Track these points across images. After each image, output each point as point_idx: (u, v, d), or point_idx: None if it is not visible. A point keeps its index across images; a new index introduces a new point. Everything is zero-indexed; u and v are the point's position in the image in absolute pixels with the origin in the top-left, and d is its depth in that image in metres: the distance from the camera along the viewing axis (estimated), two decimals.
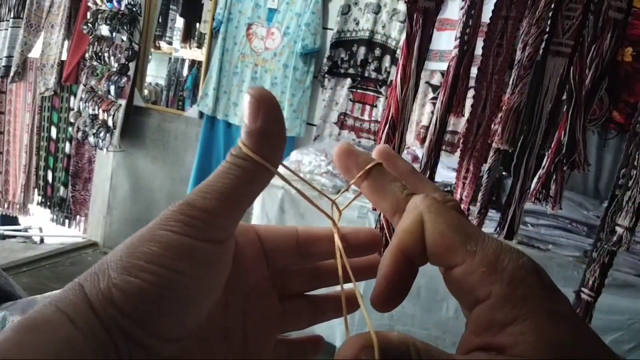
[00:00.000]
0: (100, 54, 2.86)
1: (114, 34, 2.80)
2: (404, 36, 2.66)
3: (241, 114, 2.77)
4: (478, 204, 0.97)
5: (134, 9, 2.81)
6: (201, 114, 2.89)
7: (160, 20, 3.04)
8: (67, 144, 3.29)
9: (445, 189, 1.66)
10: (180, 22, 3.08)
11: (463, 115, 0.95)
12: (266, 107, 0.22)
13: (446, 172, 1.76)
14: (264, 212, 2.02)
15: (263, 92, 0.22)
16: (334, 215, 0.26)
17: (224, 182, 0.22)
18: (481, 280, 0.20)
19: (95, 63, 2.93)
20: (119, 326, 0.19)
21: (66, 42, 3.09)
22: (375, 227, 0.97)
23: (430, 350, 0.19)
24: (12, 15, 3.06)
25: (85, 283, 0.20)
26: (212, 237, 0.21)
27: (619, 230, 0.88)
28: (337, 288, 0.27)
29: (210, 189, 0.22)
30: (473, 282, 0.20)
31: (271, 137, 0.22)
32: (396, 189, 0.24)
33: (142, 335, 0.20)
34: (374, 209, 0.95)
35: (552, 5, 0.88)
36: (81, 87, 3.02)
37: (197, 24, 2.98)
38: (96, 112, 2.94)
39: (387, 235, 0.89)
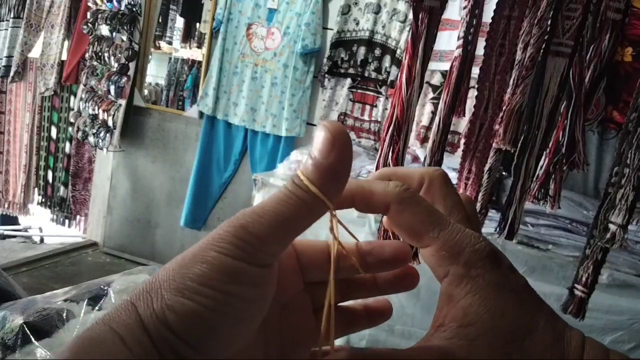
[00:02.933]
0: (100, 53, 2.86)
1: (114, 33, 2.80)
2: (404, 36, 2.66)
3: (241, 114, 2.77)
4: (478, 204, 0.97)
5: (134, 9, 2.81)
6: (201, 114, 2.89)
7: (160, 20, 3.04)
8: (67, 143, 3.29)
9: None
10: (180, 22, 3.08)
11: (465, 116, 0.95)
12: (341, 145, 0.22)
13: (447, 172, 1.76)
14: None
15: (339, 129, 0.22)
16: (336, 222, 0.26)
17: (280, 210, 0.22)
18: (441, 261, 0.23)
19: (95, 63, 2.93)
20: (171, 347, 0.20)
21: (66, 42, 3.09)
22: (379, 229, 0.97)
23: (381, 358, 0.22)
24: (12, 15, 3.06)
25: (138, 303, 0.21)
26: (262, 262, 0.22)
27: (612, 227, 0.89)
28: (369, 300, 0.29)
29: (266, 214, 0.22)
30: (436, 262, 0.24)
31: (339, 176, 0.22)
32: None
33: (193, 355, 0.20)
34: None
35: (553, 5, 0.89)
36: (81, 87, 3.02)
37: (197, 24, 2.98)
38: (96, 112, 2.94)
39: (392, 236, 0.90)
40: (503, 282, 0.23)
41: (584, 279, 0.94)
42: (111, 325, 0.20)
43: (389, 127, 0.80)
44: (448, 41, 2.05)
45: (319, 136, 0.22)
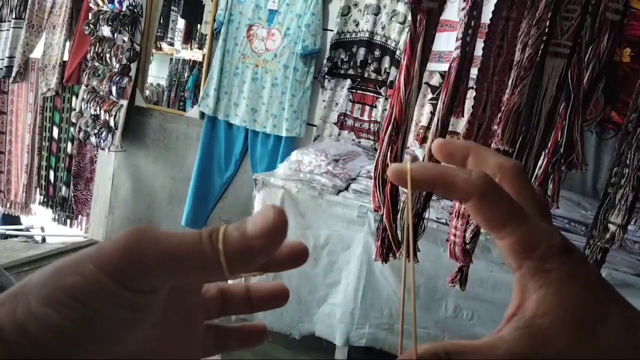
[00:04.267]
0: (101, 54, 2.87)
1: (115, 34, 2.81)
2: (403, 37, 2.67)
3: (242, 115, 2.77)
4: None
5: (136, 10, 2.82)
6: (202, 115, 2.90)
7: (161, 21, 3.05)
8: (69, 144, 3.30)
9: None
10: (181, 23, 3.09)
11: (463, 116, 0.96)
12: (274, 238, 0.21)
13: None
14: None
15: (283, 222, 0.21)
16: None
17: (180, 250, 0.20)
18: (517, 254, 0.24)
19: (96, 64, 2.94)
20: (28, 356, 0.19)
21: (68, 43, 3.10)
22: (378, 228, 0.98)
23: (459, 350, 0.23)
24: (13, 16, 3.08)
25: (1, 307, 0.20)
26: (140, 288, 0.20)
27: (612, 227, 0.89)
28: (245, 323, 0.29)
29: (165, 244, 0.20)
30: (511, 254, 0.24)
31: (252, 260, 0.21)
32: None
33: None
34: (376, 210, 0.96)
35: (551, 7, 0.89)
36: (83, 87, 3.03)
37: (198, 25, 2.99)
38: (98, 112, 2.95)
39: (390, 236, 0.90)
40: (575, 273, 0.23)
41: None
42: None
43: (387, 127, 0.81)
44: (447, 42, 2.06)
45: (265, 216, 0.21)
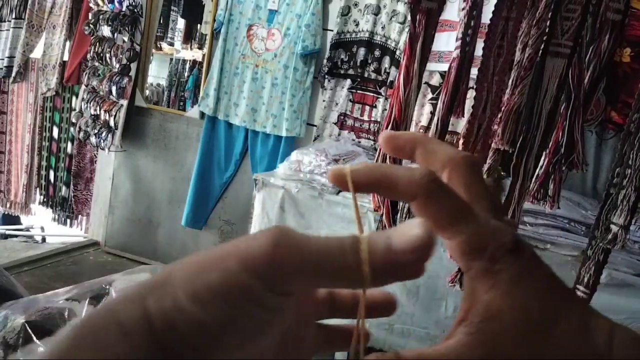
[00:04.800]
0: (101, 54, 2.87)
1: (115, 34, 2.81)
2: (403, 37, 2.67)
3: (242, 115, 2.77)
4: None
5: (136, 10, 2.82)
6: (202, 114, 2.90)
7: (161, 21, 3.05)
8: (69, 144, 3.30)
9: None
10: (181, 23, 3.09)
11: (463, 116, 0.96)
12: (424, 256, 0.20)
13: None
14: (264, 211, 2.03)
15: (433, 244, 0.20)
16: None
17: (322, 258, 0.20)
18: (465, 255, 0.23)
19: (96, 64, 2.94)
20: (174, 350, 0.19)
21: (68, 43, 3.10)
22: (377, 228, 0.98)
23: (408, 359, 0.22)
24: (13, 16, 3.08)
25: (149, 296, 0.20)
26: (281, 291, 0.21)
27: (614, 228, 0.89)
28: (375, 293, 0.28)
29: (308, 250, 0.20)
30: (459, 255, 0.23)
31: (395, 277, 0.21)
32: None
33: (195, 356, 0.20)
34: (375, 210, 0.95)
35: (552, 7, 0.89)
36: (83, 87, 3.03)
37: (198, 25, 2.99)
38: (98, 112, 2.95)
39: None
40: (525, 273, 0.22)
41: (585, 279, 0.95)
42: (116, 315, 0.19)
43: (387, 127, 0.81)
44: (447, 42, 2.06)
45: (413, 230, 0.20)
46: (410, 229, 0.21)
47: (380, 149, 0.85)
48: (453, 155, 0.26)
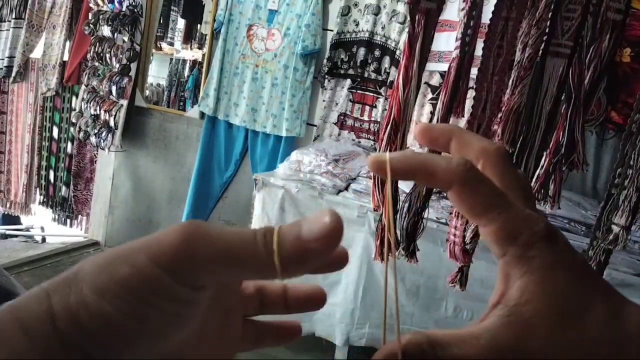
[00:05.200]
0: (101, 54, 2.87)
1: (115, 34, 2.81)
2: (403, 37, 2.67)
3: (242, 115, 2.77)
4: None
5: (136, 10, 2.82)
6: (202, 114, 2.90)
7: (161, 21, 3.05)
8: (69, 144, 3.30)
9: None
10: (181, 23, 3.09)
11: (463, 116, 0.96)
12: (331, 242, 0.20)
13: None
14: (264, 211, 2.03)
15: (340, 228, 0.20)
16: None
17: (234, 249, 0.20)
18: (500, 241, 0.23)
19: (96, 64, 2.94)
20: (78, 346, 0.19)
21: (68, 43, 3.10)
22: (377, 227, 0.98)
23: (442, 340, 0.22)
24: (13, 16, 3.08)
25: (53, 293, 0.19)
26: (194, 284, 0.20)
27: (615, 228, 0.89)
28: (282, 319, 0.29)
29: (220, 242, 0.20)
30: (495, 241, 0.24)
31: (307, 264, 0.21)
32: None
33: (102, 356, 0.19)
34: (375, 209, 0.96)
35: (552, 7, 0.89)
36: (83, 87, 3.03)
37: (198, 25, 2.99)
38: (98, 112, 2.95)
39: (390, 236, 0.90)
40: (559, 261, 0.23)
41: None
42: (17, 314, 0.19)
43: (386, 127, 0.81)
44: (447, 42, 2.06)
45: (321, 219, 0.20)
46: (319, 218, 0.21)
47: (378, 151, 0.85)
48: (487, 147, 0.26)
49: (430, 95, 2.31)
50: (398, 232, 0.93)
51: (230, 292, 0.27)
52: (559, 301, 0.22)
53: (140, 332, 0.20)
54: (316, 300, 0.29)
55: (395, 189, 0.87)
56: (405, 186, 1.50)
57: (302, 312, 0.29)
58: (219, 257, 0.20)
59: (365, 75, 2.53)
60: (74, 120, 3.08)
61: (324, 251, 0.20)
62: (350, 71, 2.55)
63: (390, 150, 0.80)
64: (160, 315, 0.20)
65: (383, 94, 2.51)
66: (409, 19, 0.79)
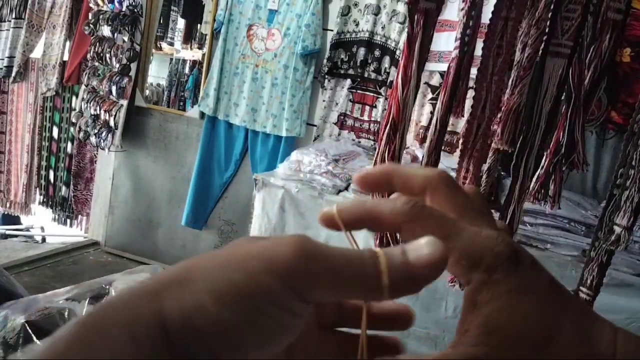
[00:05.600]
0: (101, 54, 2.87)
1: (115, 34, 2.81)
2: (403, 37, 2.68)
3: (242, 115, 2.77)
4: None
5: (136, 10, 2.82)
6: (202, 114, 2.90)
7: (161, 21, 3.05)
8: (69, 143, 3.30)
9: None
10: (181, 23, 3.09)
11: (463, 116, 0.96)
12: (438, 270, 0.21)
13: None
14: (264, 211, 2.03)
15: (446, 258, 0.21)
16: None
17: (344, 270, 0.21)
18: (463, 269, 0.23)
19: (96, 63, 2.94)
20: (187, 348, 0.19)
21: (68, 43, 3.10)
22: (375, 237, 0.97)
23: None
24: (13, 16, 3.08)
25: (164, 293, 0.19)
26: (307, 300, 0.21)
27: (617, 229, 0.89)
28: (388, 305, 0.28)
29: (331, 261, 0.20)
30: (458, 271, 0.23)
31: (412, 289, 0.21)
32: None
33: (209, 356, 0.19)
34: None
35: (552, 7, 0.89)
36: (83, 87, 3.03)
37: (198, 25, 2.99)
38: (98, 112, 2.95)
39: (389, 234, 0.90)
40: (524, 285, 0.22)
41: (589, 281, 0.94)
42: (123, 315, 0.19)
43: (385, 127, 0.81)
44: (447, 42, 2.06)
45: (430, 248, 0.21)
46: (428, 244, 0.21)
47: (378, 150, 0.85)
48: (429, 175, 0.26)
49: (430, 95, 2.31)
50: (396, 235, 0.92)
51: (319, 305, 0.27)
52: (526, 329, 0.22)
53: (251, 340, 0.20)
54: (403, 319, 0.28)
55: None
56: None
57: (386, 331, 0.28)
58: (331, 274, 0.21)
59: (365, 75, 2.52)
60: (74, 120, 3.08)
61: (430, 278, 0.21)
62: (350, 71, 2.55)
63: (389, 150, 0.80)
64: (272, 325, 0.20)
65: (383, 94, 2.51)
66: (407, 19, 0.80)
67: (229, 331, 0.19)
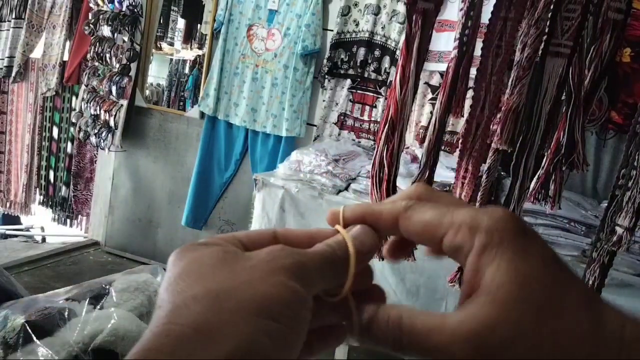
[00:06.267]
0: (101, 54, 2.87)
1: (115, 34, 2.81)
2: (403, 37, 2.68)
3: (242, 115, 2.77)
4: (477, 204, 0.97)
5: (136, 10, 2.82)
6: (202, 114, 2.90)
7: (161, 21, 3.05)
8: (69, 143, 3.30)
9: (444, 189, 1.67)
10: (181, 23, 3.09)
11: (462, 116, 0.96)
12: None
13: (445, 172, 1.77)
14: (264, 211, 2.03)
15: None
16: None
17: (326, 259, 0.25)
18: (465, 237, 0.23)
19: (96, 64, 2.94)
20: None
21: (68, 43, 3.10)
22: None
23: (413, 331, 0.23)
24: (13, 16, 3.08)
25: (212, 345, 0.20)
26: (313, 292, 0.24)
27: (619, 230, 0.89)
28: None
29: (314, 258, 0.25)
30: (459, 241, 0.23)
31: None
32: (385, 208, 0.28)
33: None
34: None
35: (551, 7, 0.89)
36: (83, 87, 3.03)
37: (198, 25, 2.99)
38: (98, 112, 2.95)
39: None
40: (530, 248, 0.22)
41: (590, 282, 0.94)
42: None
43: (384, 127, 0.81)
44: (447, 42, 2.06)
45: (370, 237, 0.27)
46: (369, 234, 0.27)
47: (376, 150, 0.85)
48: (396, 208, 0.27)
49: (430, 95, 2.31)
50: None
51: None
52: (534, 292, 0.21)
53: (298, 340, 0.22)
54: (377, 293, 0.30)
55: (394, 187, 0.87)
56: (403, 185, 1.49)
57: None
58: (320, 265, 0.24)
59: (365, 75, 2.52)
60: (74, 120, 3.08)
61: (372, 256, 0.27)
62: (350, 71, 2.54)
63: (387, 149, 0.80)
64: (305, 324, 0.23)
65: (383, 94, 2.51)
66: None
67: (286, 339, 0.21)
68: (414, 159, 2.09)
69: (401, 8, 2.41)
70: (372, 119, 2.53)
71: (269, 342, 0.20)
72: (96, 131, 2.94)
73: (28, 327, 1.20)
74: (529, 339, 0.21)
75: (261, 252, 0.24)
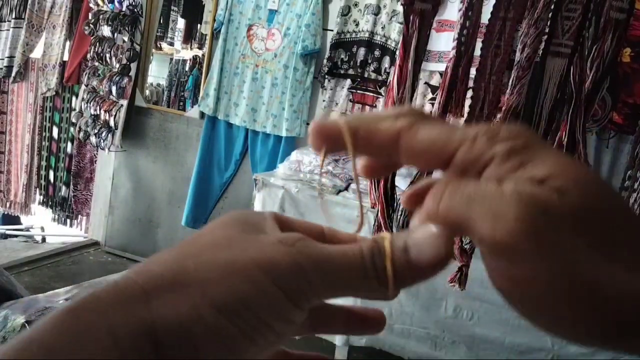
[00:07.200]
0: (101, 54, 2.87)
1: (115, 34, 2.81)
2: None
3: (242, 115, 2.77)
4: None
5: (135, 10, 2.82)
6: (202, 114, 2.90)
7: (161, 21, 3.05)
8: (69, 143, 3.30)
9: None
10: (181, 23, 3.09)
11: (462, 116, 0.96)
12: (443, 263, 0.20)
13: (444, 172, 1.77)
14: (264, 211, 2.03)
15: (451, 255, 0.20)
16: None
17: (343, 274, 0.20)
18: (483, 146, 0.20)
19: (96, 63, 2.94)
20: (176, 355, 0.18)
21: (68, 43, 3.10)
22: (373, 226, 0.98)
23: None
24: (13, 16, 3.08)
25: (154, 296, 0.18)
26: (305, 306, 0.20)
27: None
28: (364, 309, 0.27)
29: (329, 267, 0.19)
30: (477, 152, 0.20)
31: (419, 279, 0.20)
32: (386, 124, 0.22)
33: None
34: (372, 207, 0.95)
35: (552, 7, 0.89)
36: (83, 87, 3.03)
37: (198, 25, 2.99)
38: (98, 112, 2.95)
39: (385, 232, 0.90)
40: (553, 150, 0.20)
41: None
42: (108, 318, 0.17)
43: None
44: (447, 42, 2.06)
45: (435, 246, 0.19)
46: (432, 244, 0.20)
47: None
48: (398, 125, 0.22)
49: (430, 95, 2.31)
50: (394, 229, 0.93)
51: None
52: (585, 182, 0.18)
53: (247, 350, 0.19)
54: (377, 321, 0.26)
55: (392, 186, 0.87)
56: (402, 184, 1.50)
57: (358, 334, 0.27)
58: (329, 281, 0.20)
59: (365, 75, 2.52)
60: (74, 120, 3.08)
61: (432, 276, 0.20)
62: (350, 71, 2.54)
63: None
64: (269, 334, 0.19)
65: (383, 94, 2.51)
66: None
67: (229, 343, 0.18)
68: None
69: (401, 8, 2.41)
70: None
71: (203, 336, 0.17)
72: (96, 131, 2.94)
73: (28, 327, 1.20)
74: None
75: (277, 235, 0.20)
